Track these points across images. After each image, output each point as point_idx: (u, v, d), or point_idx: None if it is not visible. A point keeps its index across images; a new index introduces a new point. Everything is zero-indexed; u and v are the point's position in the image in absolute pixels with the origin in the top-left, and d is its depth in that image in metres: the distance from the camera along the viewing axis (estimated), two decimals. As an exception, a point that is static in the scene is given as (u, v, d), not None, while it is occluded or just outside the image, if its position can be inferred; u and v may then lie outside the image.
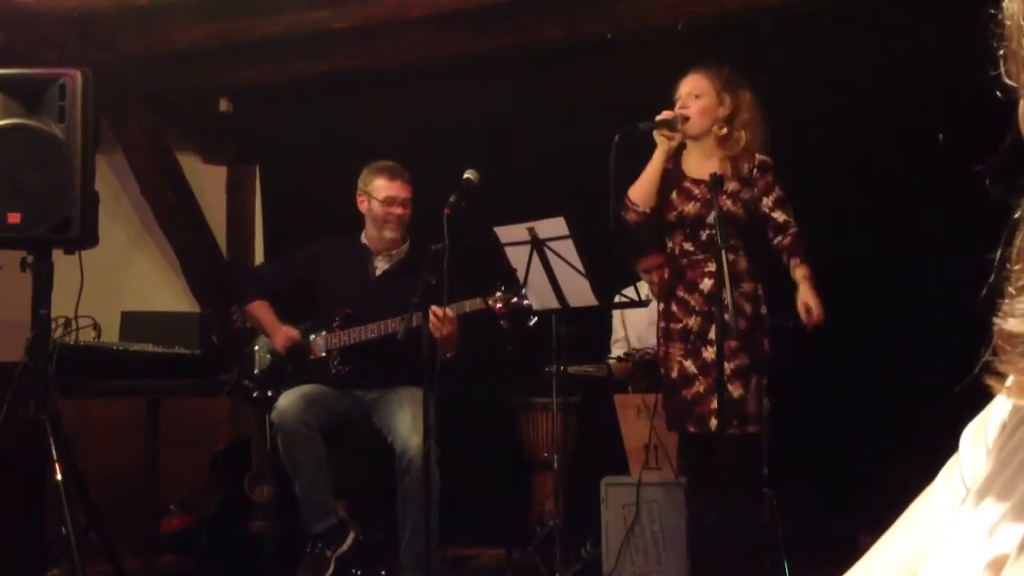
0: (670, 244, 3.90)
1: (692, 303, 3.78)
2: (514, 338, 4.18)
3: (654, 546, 4.13)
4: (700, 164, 3.85)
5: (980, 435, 0.69)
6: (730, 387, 3.65)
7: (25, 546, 3.44)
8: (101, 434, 4.86)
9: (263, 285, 4.59)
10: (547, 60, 5.19)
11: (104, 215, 3.65)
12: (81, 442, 3.86)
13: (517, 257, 3.89)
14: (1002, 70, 0.60)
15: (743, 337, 3.67)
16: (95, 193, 3.51)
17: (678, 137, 3.82)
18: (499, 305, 4.00)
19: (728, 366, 3.63)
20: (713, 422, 3.66)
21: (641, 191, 3.86)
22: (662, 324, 3.86)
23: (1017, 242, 0.59)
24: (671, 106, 3.84)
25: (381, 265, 4.43)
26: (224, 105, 6.04)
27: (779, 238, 3.78)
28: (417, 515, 3.88)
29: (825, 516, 3.97)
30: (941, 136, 4.05)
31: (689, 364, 3.76)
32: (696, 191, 3.81)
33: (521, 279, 3.91)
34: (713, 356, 3.65)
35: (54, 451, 3.36)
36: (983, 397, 0.66)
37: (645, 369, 4.53)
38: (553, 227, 3.81)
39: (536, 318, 4.01)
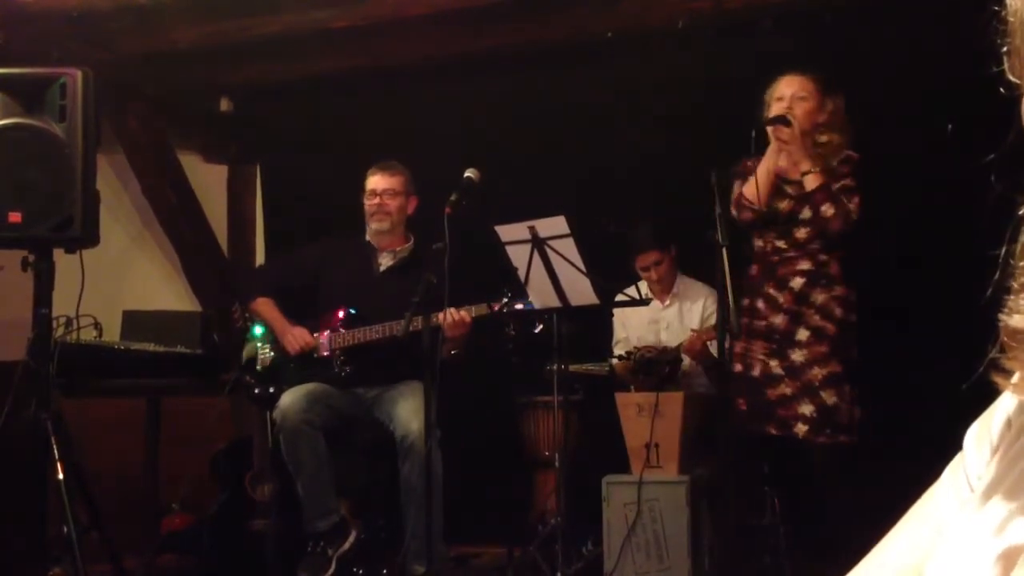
0: (760, 242, 3.91)
1: (781, 300, 3.78)
2: (518, 343, 4.19)
3: (655, 545, 4.13)
4: (794, 165, 3.85)
5: (985, 433, 0.69)
6: (823, 394, 3.65)
7: (26, 545, 3.44)
8: (102, 433, 4.86)
9: (266, 282, 4.59)
10: (548, 59, 5.19)
11: (105, 214, 3.66)
12: (82, 441, 3.86)
13: (518, 256, 3.89)
14: (1005, 66, 0.60)
15: (832, 343, 3.67)
16: (96, 192, 3.51)
17: (789, 135, 3.79)
18: (504, 312, 4.00)
19: (820, 372, 3.65)
20: (800, 427, 3.65)
21: (757, 190, 3.84)
22: (744, 320, 3.81)
23: (1022, 238, 0.59)
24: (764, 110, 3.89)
25: (385, 262, 4.44)
26: (225, 104, 6.04)
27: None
28: (420, 499, 3.88)
29: (827, 516, 3.96)
30: (950, 126, 4.06)
31: (775, 364, 3.74)
32: (790, 190, 3.83)
33: (522, 278, 3.91)
34: (802, 358, 3.66)
35: (55, 450, 3.37)
36: (990, 395, 0.66)
37: (646, 368, 4.52)
38: (554, 226, 3.81)
39: (542, 326, 4.01)
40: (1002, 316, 0.57)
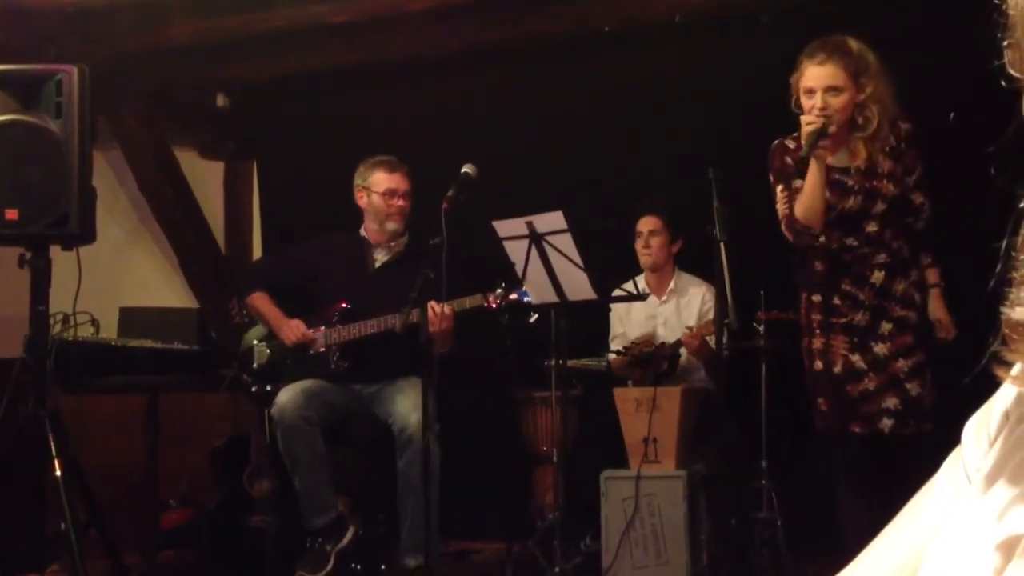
0: (824, 239, 3.58)
1: (861, 297, 3.52)
2: (515, 335, 4.18)
3: (653, 539, 4.13)
4: (843, 152, 3.56)
5: (983, 426, 0.69)
6: (908, 386, 3.46)
7: (25, 542, 3.45)
8: (100, 430, 4.86)
9: (263, 277, 4.59)
10: (546, 54, 5.19)
11: (102, 211, 3.66)
12: (80, 438, 3.86)
13: (516, 251, 3.89)
14: (1006, 60, 0.60)
15: (916, 331, 3.50)
16: (92, 189, 3.51)
17: (829, 143, 3.46)
18: (498, 302, 4.00)
19: (906, 363, 3.47)
20: (885, 422, 3.47)
21: (810, 211, 3.50)
22: (818, 317, 3.57)
23: (1022, 231, 0.59)
24: (789, 98, 3.52)
25: (380, 258, 4.44)
26: (222, 100, 6.04)
27: (911, 221, 3.54)
28: (418, 493, 3.89)
29: (825, 509, 3.96)
30: (952, 115, 3.95)
31: (856, 359, 3.51)
32: (850, 182, 3.52)
33: (520, 273, 3.91)
34: (886, 351, 3.47)
35: (53, 447, 3.37)
36: (991, 389, 0.66)
37: (644, 362, 4.53)
38: (551, 221, 3.81)
39: (536, 315, 4.00)
40: (1003, 309, 0.57)
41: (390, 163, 4.39)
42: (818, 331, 3.58)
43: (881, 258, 3.52)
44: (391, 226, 4.37)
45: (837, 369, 3.53)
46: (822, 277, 3.61)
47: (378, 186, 4.36)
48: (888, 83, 3.47)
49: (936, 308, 3.59)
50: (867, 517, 3.37)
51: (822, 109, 3.42)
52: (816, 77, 3.45)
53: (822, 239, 3.59)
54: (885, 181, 3.50)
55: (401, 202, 4.35)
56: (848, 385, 3.51)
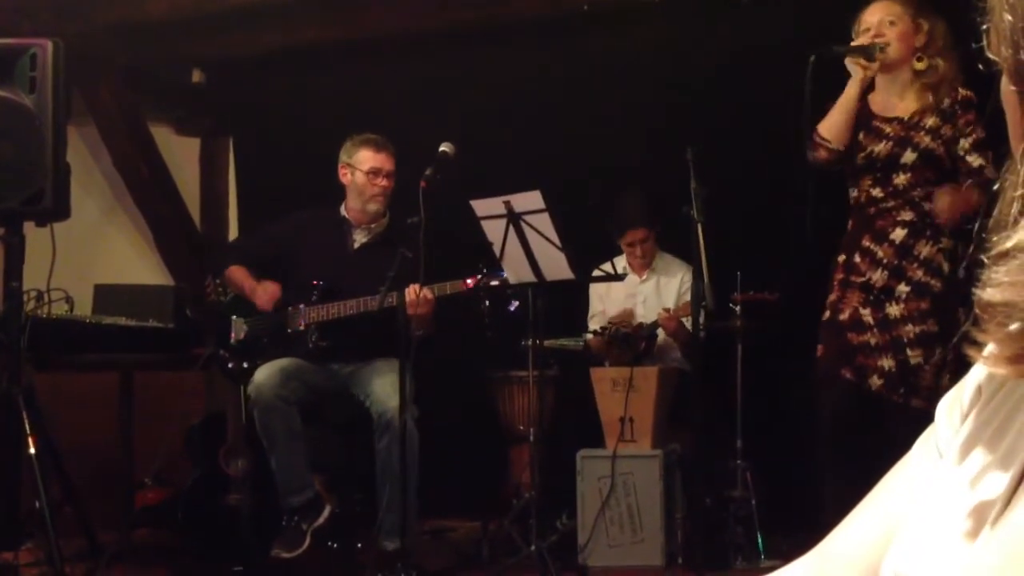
0: (855, 192, 3.51)
1: (880, 254, 3.42)
2: (493, 315, 4.19)
3: (629, 518, 4.17)
4: (892, 100, 3.49)
5: (955, 403, 0.70)
6: (909, 352, 3.36)
7: (-1, 520, 3.43)
8: (75, 408, 4.84)
9: (240, 254, 4.56)
10: (524, 32, 5.17)
11: (76, 187, 3.63)
12: (55, 416, 3.84)
13: (493, 231, 3.89)
14: (984, 43, 0.60)
15: (935, 300, 3.35)
16: (67, 165, 3.48)
17: (874, 67, 3.41)
18: (480, 288, 3.99)
19: (913, 329, 3.35)
20: (875, 380, 3.37)
21: (833, 126, 3.45)
22: (840, 276, 3.49)
23: (995, 213, 0.59)
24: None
25: (360, 238, 4.42)
26: (198, 76, 5.98)
27: (969, 184, 3.37)
28: (396, 476, 3.89)
29: (799, 487, 4.01)
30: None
31: (866, 312, 3.41)
32: (888, 129, 3.44)
33: (497, 253, 3.91)
34: (898, 313, 3.36)
35: (27, 425, 3.35)
36: (964, 369, 0.67)
37: (621, 342, 4.55)
38: (529, 201, 3.81)
39: (518, 303, 3.99)
40: (975, 290, 0.58)
41: (377, 142, 4.35)
42: (836, 287, 3.50)
43: (906, 215, 3.41)
44: (373, 206, 4.34)
45: (843, 317, 3.44)
46: (849, 235, 3.53)
47: (363, 164, 4.33)
48: (953, 46, 3.39)
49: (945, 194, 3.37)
50: (846, 482, 3.26)
51: (877, 35, 3.39)
52: (873, 11, 3.43)
53: (853, 192, 3.52)
54: (923, 133, 3.40)
55: (385, 182, 4.32)
56: (849, 332, 3.43)
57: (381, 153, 4.33)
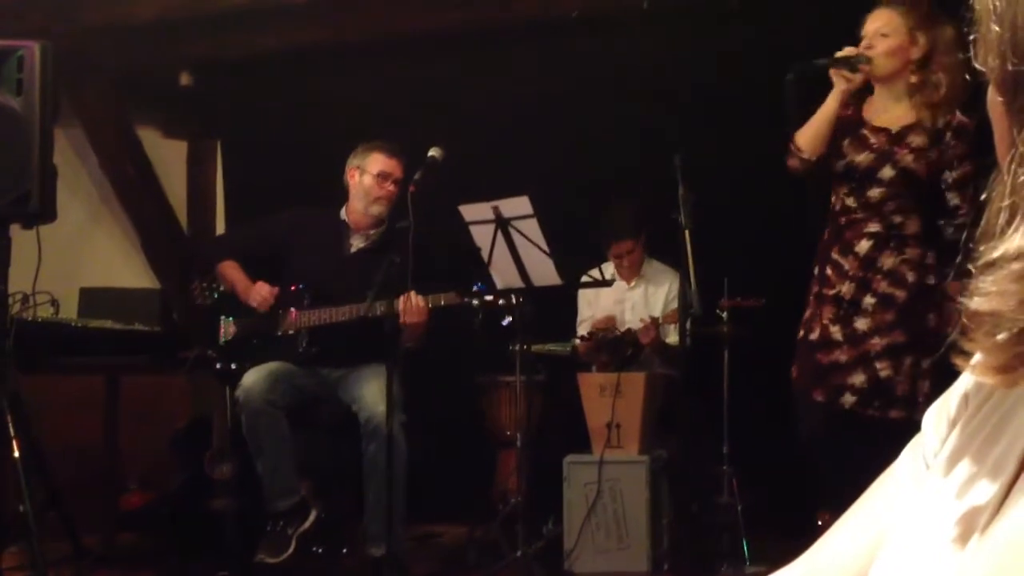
0: (833, 198, 3.52)
1: (847, 267, 3.44)
2: (484, 331, 4.16)
3: (615, 524, 4.17)
4: (886, 111, 3.47)
5: (943, 413, 0.70)
6: (877, 365, 3.35)
7: (-17, 524, 3.41)
8: (60, 411, 4.80)
9: (234, 247, 4.54)
10: (513, 37, 5.17)
11: (63, 190, 3.61)
12: (40, 419, 3.81)
13: (482, 236, 3.89)
14: (971, 54, 0.61)
15: (901, 311, 3.35)
16: (53, 167, 3.46)
17: (857, 79, 3.41)
18: (474, 305, 3.96)
19: (880, 342, 3.35)
20: (848, 398, 3.38)
21: (809, 137, 3.45)
22: (815, 289, 3.52)
23: (982, 223, 0.60)
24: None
25: (357, 243, 4.40)
26: (185, 79, 5.96)
27: (943, 224, 3.38)
28: (383, 482, 3.88)
29: (785, 494, 4.01)
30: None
31: (836, 330, 3.42)
32: (873, 140, 3.43)
33: (486, 258, 3.91)
34: (865, 327, 3.36)
35: (12, 428, 3.33)
36: (945, 376, 0.68)
37: (609, 348, 4.55)
38: (517, 206, 3.81)
39: (511, 318, 3.97)
40: (962, 299, 0.58)
41: (391, 147, 4.35)
42: (812, 302, 3.52)
43: (873, 227, 3.41)
44: (376, 209, 4.33)
45: (814, 336, 3.46)
46: (823, 244, 3.55)
47: (373, 167, 4.31)
48: (962, 64, 3.23)
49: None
50: (843, 485, 3.26)
51: (867, 47, 3.38)
52: (872, 20, 3.42)
53: (832, 199, 3.52)
54: (907, 151, 3.39)
55: (392, 187, 4.32)
56: (819, 352, 3.44)
57: (393, 159, 4.32)
